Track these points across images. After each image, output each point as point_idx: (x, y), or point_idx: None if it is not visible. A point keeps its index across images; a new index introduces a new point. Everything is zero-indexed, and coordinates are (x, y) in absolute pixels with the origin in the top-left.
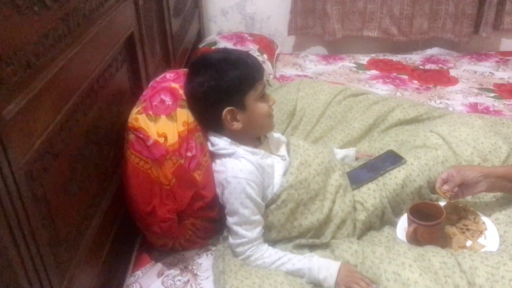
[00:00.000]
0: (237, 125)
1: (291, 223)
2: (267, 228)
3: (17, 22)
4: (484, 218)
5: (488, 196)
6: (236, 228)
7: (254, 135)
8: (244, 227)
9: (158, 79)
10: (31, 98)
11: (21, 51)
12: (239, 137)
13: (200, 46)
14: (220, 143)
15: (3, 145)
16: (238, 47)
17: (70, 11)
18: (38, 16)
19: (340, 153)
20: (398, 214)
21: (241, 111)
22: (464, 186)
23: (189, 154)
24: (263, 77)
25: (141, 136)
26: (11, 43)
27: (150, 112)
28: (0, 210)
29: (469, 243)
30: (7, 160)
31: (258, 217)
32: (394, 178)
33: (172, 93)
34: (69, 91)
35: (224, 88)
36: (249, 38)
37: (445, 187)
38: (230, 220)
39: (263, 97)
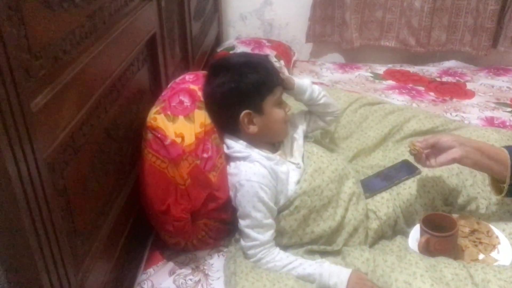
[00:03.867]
0: (253, 129)
1: (303, 229)
2: (279, 233)
3: (47, 18)
4: (497, 232)
5: (502, 210)
6: (248, 231)
7: (269, 140)
8: (256, 230)
9: (177, 80)
10: (57, 92)
11: (49, 46)
12: (254, 141)
13: (218, 50)
14: (235, 146)
15: (29, 137)
16: (256, 52)
17: (96, 9)
18: (67, 13)
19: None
20: (410, 224)
21: (258, 115)
22: (437, 150)
23: (205, 155)
24: (281, 83)
25: (159, 135)
26: (41, 38)
27: (169, 112)
28: (23, 199)
29: (481, 256)
30: (32, 152)
31: (270, 221)
32: (408, 188)
33: (191, 94)
34: (92, 87)
35: (244, 91)
36: (266, 44)
37: (418, 142)
38: (242, 223)
39: (280, 103)
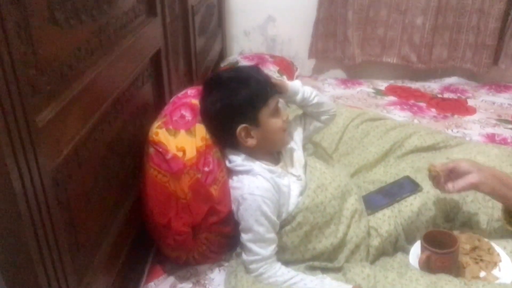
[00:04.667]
0: (251, 142)
1: (305, 245)
2: (281, 249)
3: (54, 35)
4: (498, 250)
5: (503, 227)
6: (250, 245)
7: (269, 151)
8: (258, 245)
9: (179, 94)
10: (62, 107)
11: (56, 62)
12: (254, 153)
13: (222, 65)
14: (237, 159)
15: (34, 151)
16: (245, 64)
17: (102, 26)
18: (74, 29)
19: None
20: (411, 241)
21: (255, 128)
22: (455, 175)
23: (206, 169)
24: (275, 94)
25: (160, 150)
26: (48, 54)
27: (170, 127)
28: (27, 212)
29: (482, 274)
30: (37, 166)
31: (272, 235)
32: (410, 205)
33: (192, 108)
34: (97, 102)
35: (236, 106)
36: (269, 59)
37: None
38: (244, 237)
39: (276, 112)
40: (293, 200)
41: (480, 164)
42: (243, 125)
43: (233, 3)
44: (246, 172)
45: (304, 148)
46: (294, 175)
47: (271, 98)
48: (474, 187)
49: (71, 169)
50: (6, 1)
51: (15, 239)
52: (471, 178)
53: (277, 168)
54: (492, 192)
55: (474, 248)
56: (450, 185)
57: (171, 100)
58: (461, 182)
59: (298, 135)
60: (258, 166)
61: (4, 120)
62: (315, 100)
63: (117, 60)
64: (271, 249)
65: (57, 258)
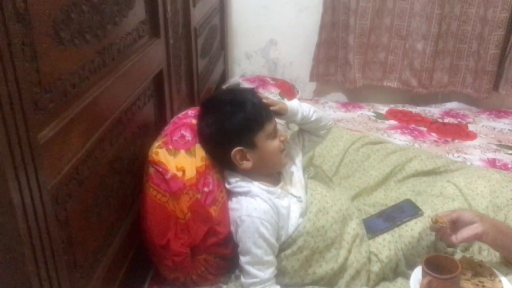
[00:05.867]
0: (246, 164)
1: (305, 270)
2: (280, 273)
3: (59, 53)
4: (500, 276)
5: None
6: (248, 268)
7: (266, 172)
8: (257, 267)
9: (180, 115)
10: (64, 125)
11: (59, 80)
12: (252, 175)
13: (224, 86)
14: (235, 181)
15: (35, 168)
16: (260, 90)
17: (106, 46)
18: (78, 48)
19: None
20: (412, 266)
21: (251, 150)
22: (459, 225)
23: (206, 189)
24: (272, 117)
25: (160, 169)
26: (52, 72)
27: (170, 147)
28: (26, 231)
29: None
30: (37, 183)
31: (271, 258)
32: (411, 230)
33: (193, 129)
34: (99, 121)
35: (231, 130)
36: (271, 82)
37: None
38: (242, 259)
39: (273, 133)
40: (293, 221)
41: (482, 214)
42: (238, 148)
43: (235, 26)
44: (245, 193)
45: (305, 170)
46: (295, 196)
47: (268, 122)
48: (478, 237)
49: (71, 187)
50: (13, 19)
51: (12, 256)
52: (475, 229)
53: (277, 189)
54: (493, 242)
55: (475, 274)
56: (453, 237)
57: (172, 120)
58: (464, 233)
59: (297, 156)
60: (257, 187)
61: (7, 136)
62: (314, 117)
63: (119, 80)
64: (269, 271)
65: (54, 276)
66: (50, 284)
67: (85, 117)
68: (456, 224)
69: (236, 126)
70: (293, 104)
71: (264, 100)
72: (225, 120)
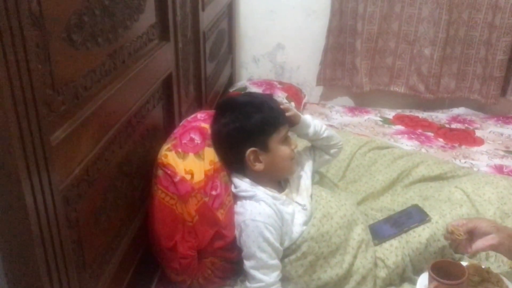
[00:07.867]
0: (259, 166)
1: (309, 275)
2: (285, 278)
3: (71, 56)
4: (508, 282)
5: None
6: (253, 272)
7: (275, 177)
8: (262, 272)
9: (189, 118)
10: (76, 127)
11: (71, 83)
12: (260, 179)
13: (231, 90)
14: (242, 185)
15: (47, 169)
16: (261, 92)
17: (117, 49)
18: (90, 51)
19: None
20: (418, 272)
21: (264, 153)
22: (475, 235)
23: (213, 192)
24: (286, 122)
25: (168, 172)
26: (64, 75)
27: (179, 150)
28: (38, 231)
29: None
30: (49, 184)
31: (275, 262)
32: (418, 236)
33: (202, 132)
34: (109, 123)
35: (248, 130)
36: (278, 85)
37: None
38: (247, 264)
39: (286, 140)
40: (297, 228)
41: (498, 224)
42: (253, 148)
43: (243, 30)
44: (250, 197)
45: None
46: (300, 204)
47: (282, 126)
48: (494, 248)
49: (81, 188)
50: (28, 23)
51: (24, 255)
52: (491, 240)
53: (281, 196)
54: (508, 253)
55: (482, 280)
56: (468, 248)
57: (181, 123)
58: (480, 244)
59: (308, 166)
60: (262, 192)
61: (21, 137)
62: (325, 134)
63: (129, 83)
64: (274, 275)
65: (64, 276)
66: (60, 283)
67: (95, 119)
68: (471, 234)
69: (254, 127)
70: (306, 116)
71: (280, 106)
72: (244, 119)
